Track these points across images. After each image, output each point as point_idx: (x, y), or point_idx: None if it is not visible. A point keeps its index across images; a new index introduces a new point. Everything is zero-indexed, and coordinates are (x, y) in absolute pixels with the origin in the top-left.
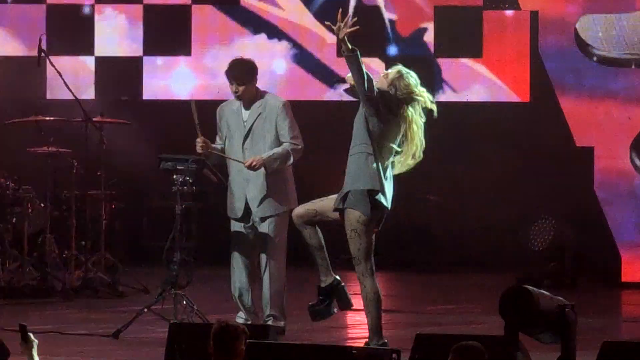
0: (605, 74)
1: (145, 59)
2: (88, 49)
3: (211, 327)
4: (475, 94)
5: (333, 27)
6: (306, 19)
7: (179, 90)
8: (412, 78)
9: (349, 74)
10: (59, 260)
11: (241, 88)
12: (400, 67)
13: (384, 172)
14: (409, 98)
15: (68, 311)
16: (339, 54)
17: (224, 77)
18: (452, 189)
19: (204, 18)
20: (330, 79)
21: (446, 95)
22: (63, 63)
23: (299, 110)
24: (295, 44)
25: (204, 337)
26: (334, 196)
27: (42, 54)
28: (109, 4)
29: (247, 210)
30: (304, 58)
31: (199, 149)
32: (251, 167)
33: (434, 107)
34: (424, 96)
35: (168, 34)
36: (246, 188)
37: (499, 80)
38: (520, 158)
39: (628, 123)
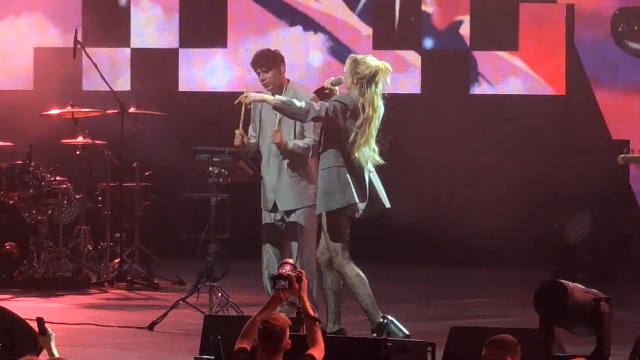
0: None
1: (182, 50)
2: (124, 41)
3: (246, 319)
4: (511, 86)
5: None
6: (341, 12)
7: (215, 82)
8: (368, 57)
9: (331, 79)
10: (94, 252)
11: (267, 75)
12: (352, 55)
13: (362, 177)
14: (373, 75)
15: (103, 303)
16: (375, 46)
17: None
18: (487, 181)
19: (240, 10)
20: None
21: (482, 88)
22: (99, 54)
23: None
24: (330, 36)
25: (239, 329)
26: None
27: (78, 45)
28: None
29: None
30: (339, 50)
31: (236, 142)
32: (278, 145)
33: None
34: (384, 65)
35: (204, 25)
36: (273, 180)
37: (535, 73)
38: (556, 151)
39: None
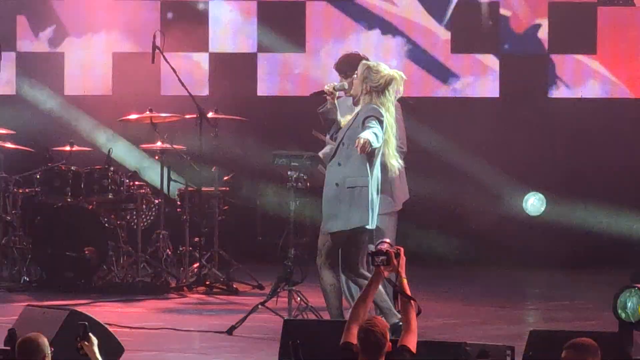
0: None
1: (260, 55)
2: (203, 45)
3: (325, 323)
4: (590, 90)
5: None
6: (419, 16)
7: (293, 87)
8: (381, 65)
9: (334, 84)
10: (173, 257)
11: (347, 81)
12: (364, 62)
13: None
14: (387, 83)
15: (182, 307)
16: (453, 50)
17: (337, 74)
18: (565, 184)
19: (318, 14)
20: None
21: (560, 92)
22: (177, 59)
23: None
24: (408, 40)
25: (318, 334)
26: None
27: (157, 50)
28: (223, 0)
29: None
30: (417, 54)
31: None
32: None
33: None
34: (398, 74)
35: (282, 29)
36: None
37: (614, 77)
38: (636, 155)
39: None
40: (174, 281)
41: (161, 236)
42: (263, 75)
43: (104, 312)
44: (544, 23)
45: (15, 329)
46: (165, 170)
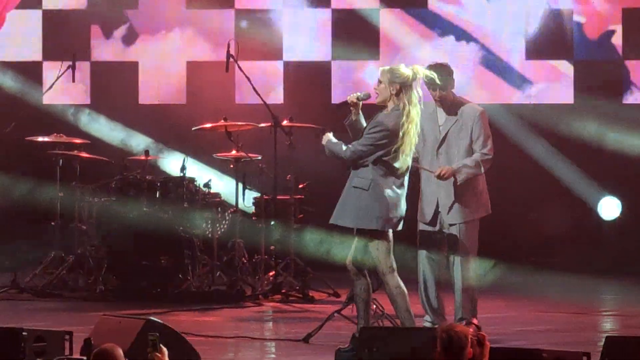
0: None
1: (334, 62)
2: (276, 54)
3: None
4: None
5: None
6: (492, 23)
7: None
8: (401, 65)
9: (357, 94)
10: (248, 265)
11: (435, 93)
12: (383, 67)
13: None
14: (410, 80)
15: (258, 316)
16: (528, 56)
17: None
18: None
19: (392, 21)
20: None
21: (634, 97)
22: (252, 67)
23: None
24: (482, 47)
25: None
26: None
27: (231, 59)
28: (296, 7)
29: (436, 214)
30: (491, 61)
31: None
32: (441, 177)
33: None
34: (420, 70)
35: (357, 37)
36: (438, 194)
37: None
38: None
39: None
40: (250, 289)
41: (237, 245)
42: (337, 83)
43: (179, 321)
44: (618, 29)
45: (91, 338)
46: (240, 178)
